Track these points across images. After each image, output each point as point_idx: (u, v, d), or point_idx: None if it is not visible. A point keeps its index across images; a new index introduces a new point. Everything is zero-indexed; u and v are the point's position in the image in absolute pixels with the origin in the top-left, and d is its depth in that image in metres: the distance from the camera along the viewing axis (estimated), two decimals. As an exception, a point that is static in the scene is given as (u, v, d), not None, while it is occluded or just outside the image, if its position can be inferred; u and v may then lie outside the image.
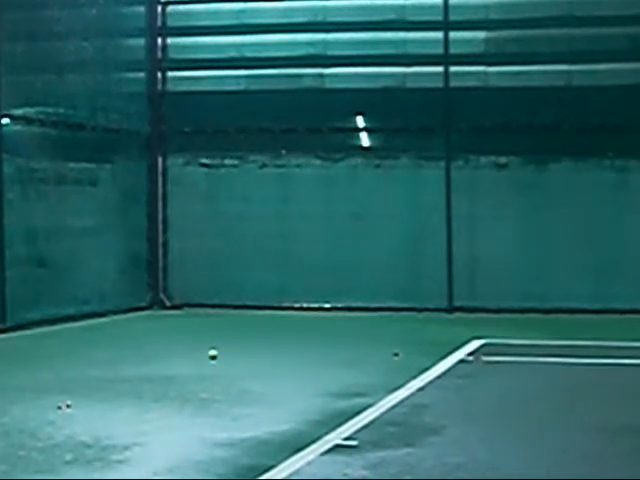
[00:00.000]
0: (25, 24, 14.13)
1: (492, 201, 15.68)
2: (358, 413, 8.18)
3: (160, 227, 16.89)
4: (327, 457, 6.82)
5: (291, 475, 6.39)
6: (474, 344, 12.00)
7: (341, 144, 16.54)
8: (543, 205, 15.45)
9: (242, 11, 16.80)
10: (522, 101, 15.36)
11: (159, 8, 17.07)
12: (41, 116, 14.42)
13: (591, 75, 15.56)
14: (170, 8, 17.15)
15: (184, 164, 16.91)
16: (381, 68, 16.31)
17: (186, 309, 16.44)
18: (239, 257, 16.38)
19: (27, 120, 14.24)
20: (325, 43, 16.57)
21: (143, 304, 16.41)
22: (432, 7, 16.03)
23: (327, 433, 7.45)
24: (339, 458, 6.77)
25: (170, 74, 17.03)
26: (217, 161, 16.79)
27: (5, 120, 13.72)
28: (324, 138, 16.49)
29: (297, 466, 6.56)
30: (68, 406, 8.43)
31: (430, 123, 15.99)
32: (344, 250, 16.10)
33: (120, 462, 6.73)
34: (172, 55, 17.09)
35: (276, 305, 16.11)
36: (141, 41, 16.96)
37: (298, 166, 16.51)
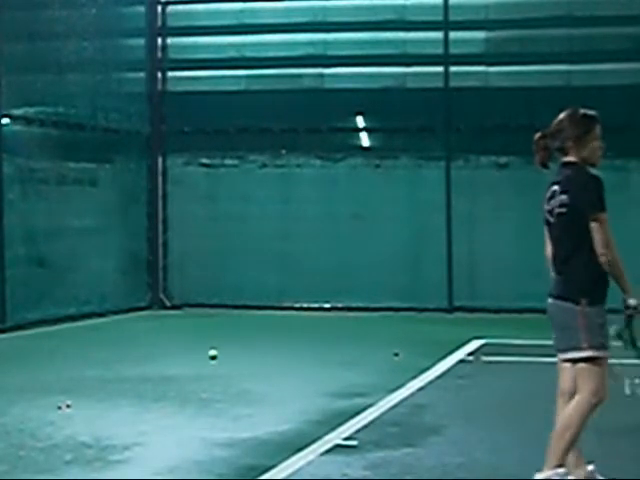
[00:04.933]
0: (25, 24, 14.14)
1: (492, 201, 15.68)
2: (358, 413, 8.18)
3: (160, 227, 16.89)
4: (327, 457, 6.82)
5: (291, 475, 6.39)
6: (474, 344, 11.99)
7: (341, 144, 16.55)
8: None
9: (242, 11, 16.81)
10: (522, 101, 15.36)
11: (159, 8, 17.08)
12: (41, 116, 14.42)
13: (591, 75, 15.56)
14: (170, 8, 17.15)
15: (184, 164, 16.91)
16: (381, 68, 16.31)
17: (186, 309, 16.44)
18: (239, 257, 16.37)
19: (27, 120, 14.25)
20: (325, 43, 16.57)
21: (143, 304, 16.41)
22: (432, 7, 16.03)
23: (327, 433, 7.45)
24: (339, 458, 6.77)
25: (170, 74, 17.04)
26: (217, 161, 16.80)
27: (5, 120, 13.72)
28: (324, 138, 16.49)
29: (297, 466, 6.57)
30: (68, 406, 8.43)
31: (430, 123, 16.00)
32: (344, 250, 16.10)
33: (120, 462, 6.73)
34: (172, 55, 17.09)
35: (276, 305, 16.10)
36: (141, 41, 16.96)
37: (298, 166, 16.51)
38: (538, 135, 5.78)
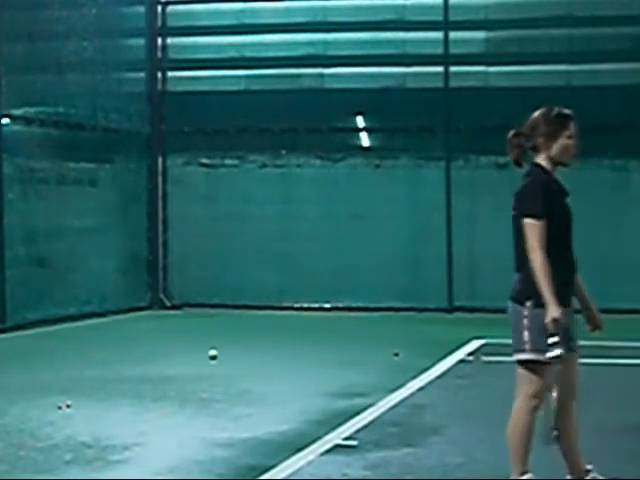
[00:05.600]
0: (25, 24, 14.14)
1: (492, 201, 15.65)
2: (358, 413, 8.18)
3: (160, 227, 16.89)
4: (327, 457, 6.83)
5: (291, 475, 6.39)
6: (474, 344, 11.99)
7: (341, 144, 16.54)
8: (543, 205, 15.43)
9: (242, 11, 16.80)
10: (522, 101, 15.32)
11: (159, 8, 17.08)
12: (41, 116, 14.42)
13: (591, 75, 15.56)
14: (170, 8, 17.15)
15: (184, 164, 16.91)
16: (381, 68, 16.31)
17: (186, 309, 16.44)
18: (239, 257, 16.37)
19: (27, 120, 14.25)
20: (325, 43, 16.57)
21: (143, 304, 16.41)
22: (432, 7, 16.03)
23: (327, 433, 7.45)
24: (339, 458, 6.77)
25: (170, 74, 17.03)
26: (217, 161, 16.79)
27: (5, 120, 13.72)
28: (324, 138, 16.48)
29: (297, 466, 6.57)
30: (68, 406, 8.43)
31: (430, 123, 15.99)
32: (344, 250, 16.09)
33: (120, 462, 6.73)
34: (172, 55, 17.09)
35: (276, 305, 16.10)
36: (141, 41, 16.96)
37: (298, 166, 16.51)
38: (512, 133, 5.77)
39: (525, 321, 5.50)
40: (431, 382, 9.73)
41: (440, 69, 15.97)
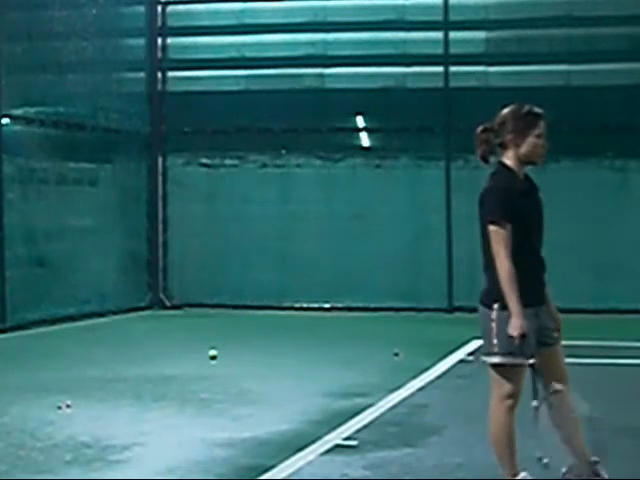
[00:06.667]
0: (25, 24, 14.14)
1: (492, 201, 15.66)
2: (358, 413, 8.18)
3: (160, 227, 16.89)
4: (327, 457, 6.83)
5: (291, 475, 6.39)
6: (474, 344, 11.99)
7: (341, 144, 16.54)
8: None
9: (242, 11, 16.80)
10: (522, 101, 15.33)
11: (159, 8, 17.08)
12: (41, 116, 14.42)
13: (590, 75, 15.56)
14: (170, 8, 17.15)
15: (184, 164, 16.91)
16: (381, 68, 16.31)
17: (186, 309, 16.44)
18: (239, 257, 16.37)
19: (27, 120, 14.25)
20: (325, 43, 16.57)
21: (143, 304, 16.40)
22: (432, 7, 16.03)
23: (327, 433, 7.45)
24: (339, 458, 6.77)
25: (170, 74, 17.04)
26: (217, 161, 16.79)
27: (5, 120, 13.72)
28: (324, 138, 16.48)
29: (297, 466, 6.57)
30: (68, 406, 8.44)
31: (430, 123, 15.99)
32: (344, 250, 16.09)
33: (120, 462, 6.73)
34: (172, 55, 17.09)
35: (276, 305, 16.10)
36: (141, 41, 16.96)
37: (298, 166, 16.51)
38: (480, 128, 5.71)
39: (493, 324, 5.43)
40: (431, 382, 9.73)
41: (440, 69, 15.97)
